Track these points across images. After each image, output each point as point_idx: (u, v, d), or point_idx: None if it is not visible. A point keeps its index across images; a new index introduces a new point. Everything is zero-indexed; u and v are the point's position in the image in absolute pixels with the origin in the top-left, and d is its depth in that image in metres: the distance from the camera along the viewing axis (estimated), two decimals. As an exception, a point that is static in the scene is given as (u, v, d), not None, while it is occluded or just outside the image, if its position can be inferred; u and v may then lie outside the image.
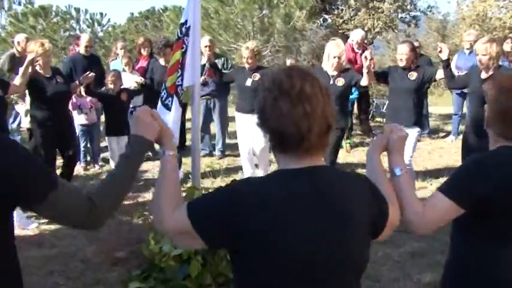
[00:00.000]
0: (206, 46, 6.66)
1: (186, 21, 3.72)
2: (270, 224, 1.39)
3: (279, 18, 7.19)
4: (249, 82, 6.04)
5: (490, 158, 1.91)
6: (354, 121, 9.26)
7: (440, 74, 5.45)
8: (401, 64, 5.46)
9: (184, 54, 3.71)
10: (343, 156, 7.53)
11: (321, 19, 17.06)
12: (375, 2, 16.08)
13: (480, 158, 1.91)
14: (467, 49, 7.99)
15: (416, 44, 8.47)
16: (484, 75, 4.91)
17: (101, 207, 1.52)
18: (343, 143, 7.92)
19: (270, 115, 1.45)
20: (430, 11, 21.11)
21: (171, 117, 3.79)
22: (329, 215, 1.43)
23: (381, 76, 5.70)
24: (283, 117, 1.42)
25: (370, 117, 10.04)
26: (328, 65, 5.46)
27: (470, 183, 1.83)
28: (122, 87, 6.35)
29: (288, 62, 7.91)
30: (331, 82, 5.36)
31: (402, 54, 5.45)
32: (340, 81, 5.41)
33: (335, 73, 5.45)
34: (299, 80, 1.44)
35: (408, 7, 17.10)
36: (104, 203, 1.54)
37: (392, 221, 1.62)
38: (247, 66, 6.07)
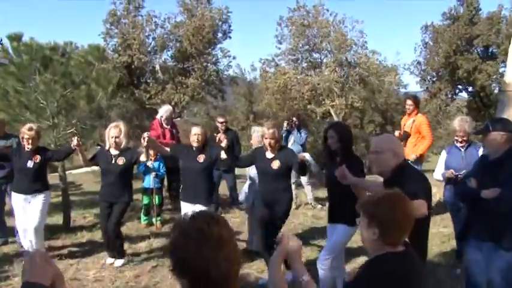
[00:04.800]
0: None
1: None
2: None
3: (81, 99, 7.27)
4: (30, 164, 6.07)
5: (383, 269, 2.42)
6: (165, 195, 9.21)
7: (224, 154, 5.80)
8: (195, 144, 5.81)
9: None
10: (155, 234, 7.66)
11: (129, 92, 17.32)
12: (180, 77, 16.93)
13: (376, 267, 2.44)
14: (461, 144, 5.85)
15: (222, 119, 9.10)
16: (269, 154, 5.54)
17: None
18: (154, 219, 8.12)
19: (194, 261, 1.58)
20: (235, 82, 22.62)
21: None
22: None
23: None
24: (208, 262, 1.57)
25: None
26: (109, 144, 6.18)
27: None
28: None
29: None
30: (113, 162, 6.12)
31: (195, 135, 5.80)
32: (121, 160, 6.13)
33: (116, 152, 6.16)
34: (216, 226, 1.62)
35: (214, 80, 18.20)
36: None
37: None
38: (29, 147, 6.03)
